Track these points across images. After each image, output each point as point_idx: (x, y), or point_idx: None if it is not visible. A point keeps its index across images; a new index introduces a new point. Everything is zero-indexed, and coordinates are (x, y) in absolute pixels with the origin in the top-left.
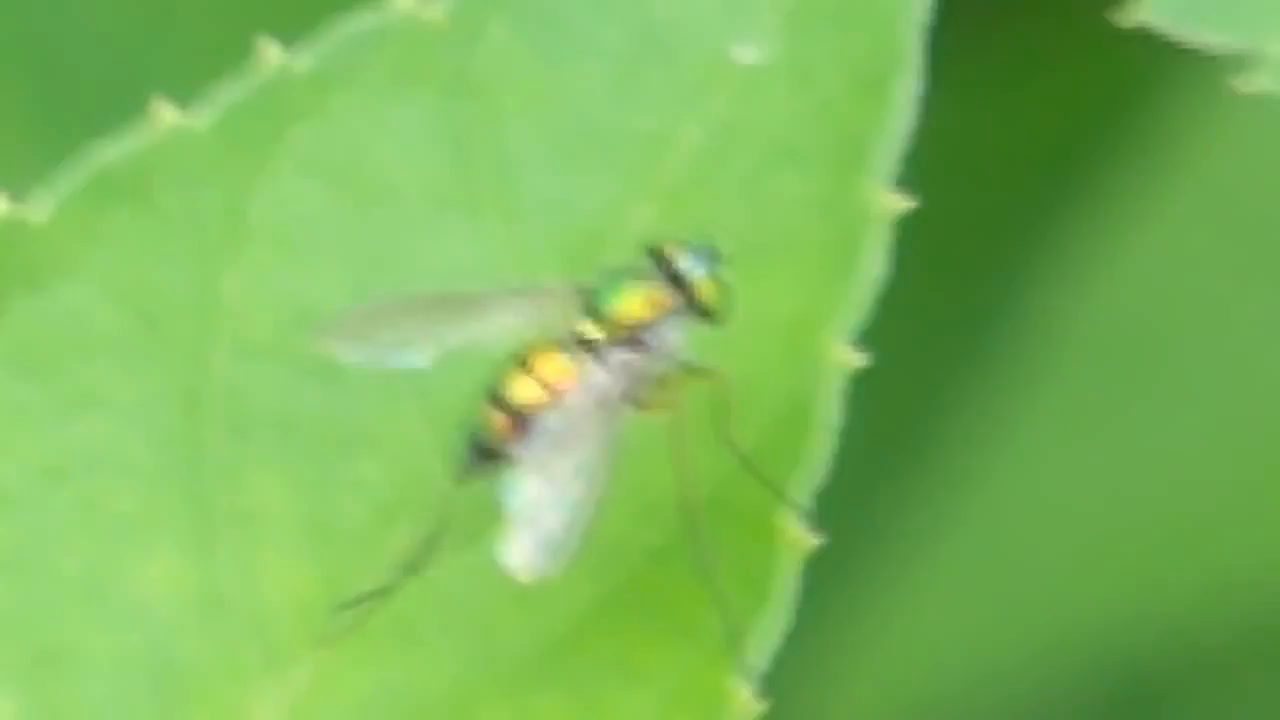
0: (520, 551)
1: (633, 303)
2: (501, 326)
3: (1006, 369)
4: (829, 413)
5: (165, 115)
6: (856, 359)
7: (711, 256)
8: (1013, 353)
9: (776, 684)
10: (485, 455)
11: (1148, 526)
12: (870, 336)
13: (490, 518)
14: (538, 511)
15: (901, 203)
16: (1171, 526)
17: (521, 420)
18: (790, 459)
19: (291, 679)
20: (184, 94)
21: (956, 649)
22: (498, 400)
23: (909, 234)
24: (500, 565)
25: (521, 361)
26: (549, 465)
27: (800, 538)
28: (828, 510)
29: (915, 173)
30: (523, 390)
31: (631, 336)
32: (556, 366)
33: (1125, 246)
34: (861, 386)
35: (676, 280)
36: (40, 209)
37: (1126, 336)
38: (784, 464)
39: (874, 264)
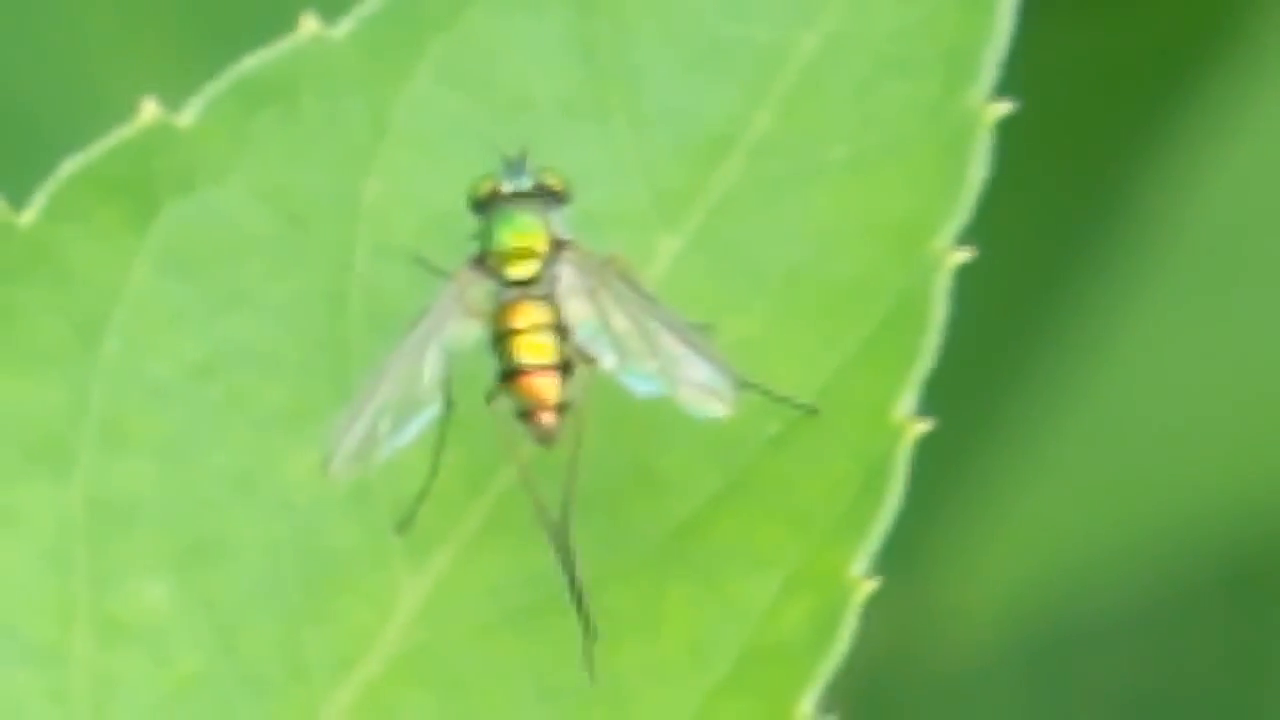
0: (699, 402)
1: (522, 228)
2: (457, 336)
3: (1122, 255)
4: (940, 308)
5: (308, 26)
6: (964, 256)
7: (517, 163)
8: (1130, 236)
9: (893, 567)
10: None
11: (1265, 413)
12: (987, 228)
13: (618, 405)
14: (674, 373)
15: (1006, 107)
16: None
17: (562, 367)
18: (903, 351)
19: (432, 565)
20: (332, 11)
21: (1074, 534)
22: (526, 370)
23: (1023, 134)
24: (695, 416)
25: (509, 332)
26: (631, 348)
27: (913, 423)
28: (943, 398)
29: (1027, 77)
30: (533, 348)
31: (546, 250)
32: (529, 313)
33: (1231, 146)
34: (975, 279)
35: (536, 192)
36: (189, 114)
37: (1238, 229)
38: (897, 356)
39: (980, 166)
